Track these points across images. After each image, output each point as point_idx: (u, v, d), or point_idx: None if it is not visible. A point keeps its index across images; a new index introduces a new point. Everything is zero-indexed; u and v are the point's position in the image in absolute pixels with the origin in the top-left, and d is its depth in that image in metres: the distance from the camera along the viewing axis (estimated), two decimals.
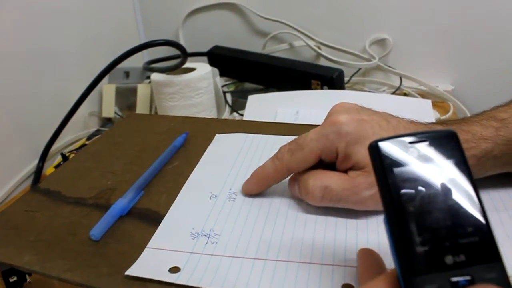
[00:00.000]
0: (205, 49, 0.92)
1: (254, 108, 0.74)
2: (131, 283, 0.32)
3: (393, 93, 0.85)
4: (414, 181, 0.24)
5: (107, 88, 0.86)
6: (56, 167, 0.70)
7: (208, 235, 0.36)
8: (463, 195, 0.23)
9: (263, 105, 0.74)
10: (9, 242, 0.37)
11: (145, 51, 0.97)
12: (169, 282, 0.31)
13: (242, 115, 0.76)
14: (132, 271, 0.32)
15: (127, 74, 0.88)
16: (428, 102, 0.74)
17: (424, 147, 0.25)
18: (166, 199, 0.41)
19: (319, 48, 0.90)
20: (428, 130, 0.32)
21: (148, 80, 0.86)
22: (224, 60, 0.90)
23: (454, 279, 0.22)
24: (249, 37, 0.96)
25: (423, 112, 0.72)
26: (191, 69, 0.76)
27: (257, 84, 0.89)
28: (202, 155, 0.48)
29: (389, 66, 0.89)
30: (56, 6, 0.77)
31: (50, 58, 0.77)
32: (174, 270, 0.32)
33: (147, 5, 1.01)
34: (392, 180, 0.24)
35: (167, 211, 0.39)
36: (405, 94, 0.85)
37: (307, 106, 0.70)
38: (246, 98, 0.77)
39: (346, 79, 0.86)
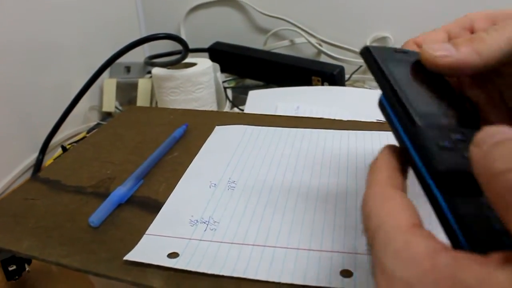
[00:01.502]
0: (207, 45, 0.92)
1: (255, 103, 0.74)
2: (129, 268, 0.32)
3: None
4: (406, 68, 0.29)
5: (108, 83, 0.86)
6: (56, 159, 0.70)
7: (207, 222, 0.36)
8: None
9: (264, 101, 0.74)
10: (8, 229, 0.37)
11: (146, 47, 0.98)
12: (167, 266, 0.31)
13: (242, 110, 0.76)
14: (131, 256, 0.32)
15: (128, 69, 0.88)
16: None
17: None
18: (165, 187, 0.41)
19: (320, 45, 0.90)
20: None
21: (149, 75, 0.86)
22: (225, 56, 0.90)
23: (453, 136, 0.25)
24: (250, 33, 0.96)
25: None
26: (192, 64, 0.76)
27: (258, 81, 0.89)
28: (201, 146, 0.48)
29: None
30: (57, 0, 0.78)
31: (51, 52, 0.77)
32: (173, 255, 0.32)
33: (149, 1, 1.01)
34: (386, 67, 0.28)
35: (166, 199, 0.39)
36: None
37: (308, 102, 0.70)
38: (246, 94, 0.77)
39: (347, 76, 0.86)
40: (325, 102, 0.70)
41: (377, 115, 0.54)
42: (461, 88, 0.33)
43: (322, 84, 0.78)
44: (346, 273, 0.30)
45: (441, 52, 0.28)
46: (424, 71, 0.29)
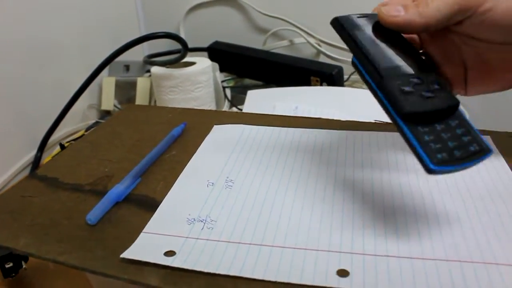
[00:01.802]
0: (206, 44, 0.92)
1: (253, 103, 0.74)
2: (126, 266, 0.32)
3: None
4: (369, 29, 0.35)
5: (107, 81, 0.86)
6: None
7: (204, 221, 0.36)
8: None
9: (262, 100, 0.74)
10: (5, 226, 0.37)
11: (145, 46, 0.98)
12: (164, 265, 0.31)
13: (241, 110, 0.76)
14: (128, 254, 0.32)
15: (127, 67, 0.88)
16: None
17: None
18: (163, 186, 0.41)
19: (319, 45, 0.91)
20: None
21: (148, 74, 0.86)
22: (224, 55, 0.90)
23: (412, 81, 0.32)
24: (250, 33, 0.96)
25: None
26: (191, 63, 0.77)
27: (256, 80, 0.89)
28: (199, 145, 0.48)
29: None
30: None
31: (51, 50, 0.77)
32: (170, 253, 0.32)
33: (148, 0, 1.01)
34: (353, 31, 0.35)
35: (164, 198, 0.39)
36: None
37: (306, 102, 0.70)
38: (245, 93, 0.77)
39: (346, 77, 0.86)
40: (324, 102, 0.70)
41: (375, 116, 0.55)
42: (421, 45, 0.39)
43: (321, 84, 0.78)
44: (342, 273, 0.30)
45: (392, 12, 0.34)
46: (384, 30, 0.35)
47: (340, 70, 0.78)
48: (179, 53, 0.72)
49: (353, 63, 0.34)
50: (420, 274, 0.29)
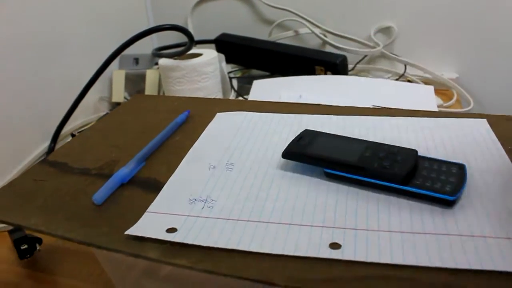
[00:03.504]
0: (213, 36, 0.94)
1: (259, 92, 0.75)
2: (129, 242, 0.34)
3: (397, 80, 0.86)
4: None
5: (117, 74, 0.88)
6: None
7: (205, 201, 0.37)
8: None
9: (268, 90, 0.75)
10: (18, 206, 0.39)
11: (154, 39, 1.00)
12: (165, 240, 0.33)
13: (246, 99, 0.77)
14: (132, 231, 0.34)
15: (136, 60, 0.90)
16: (431, 88, 0.75)
17: None
18: (166, 169, 0.43)
19: (324, 35, 0.91)
20: None
21: (156, 66, 0.88)
22: (231, 47, 0.91)
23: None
24: (256, 24, 0.97)
25: (425, 98, 0.73)
26: (198, 55, 0.78)
27: (263, 71, 0.90)
28: (202, 132, 0.49)
29: (394, 54, 0.90)
30: None
31: (60, 45, 0.79)
32: (171, 230, 0.34)
33: None
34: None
35: (167, 180, 0.41)
36: (409, 81, 0.86)
37: (311, 90, 0.71)
38: (251, 83, 0.78)
39: (351, 66, 0.87)
40: (328, 90, 0.71)
41: (374, 102, 0.55)
42: None
43: (326, 73, 0.79)
44: (335, 246, 0.31)
45: None
46: (323, 137, 0.42)
47: (344, 59, 0.79)
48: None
49: (327, 174, 0.39)
50: (409, 246, 0.30)
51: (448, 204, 0.34)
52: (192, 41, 0.73)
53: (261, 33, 0.95)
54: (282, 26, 0.95)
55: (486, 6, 0.83)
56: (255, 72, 0.93)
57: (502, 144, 0.42)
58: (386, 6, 0.89)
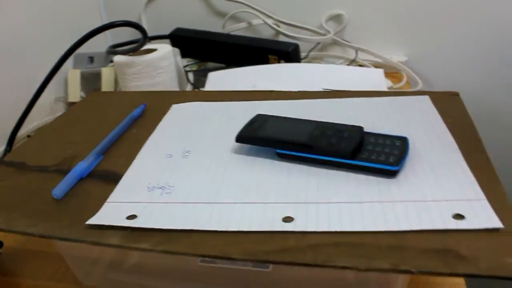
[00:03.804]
0: (168, 32, 0.94)
1: (214, 84, 0.77)
2: (90, 231, 0.34)
3: (349, 65, 0.89)
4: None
5: (72, 73, 0.87)
6: None
7: (163, 188, 0.38)
8: None
9: (223, 81, 0.76)
10: None
11: (108, 36, 0.99)
12: (126, 226, 0.34)
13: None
14: (92, 220, 0.35)
15: (91, 59, 0.90)
16: (380, 71, 0.78)
17: None
18: (124, 162, 0.44)
19: (277, 25, 0.93)
20: None
21: (112, 64, 0.88)
22: (186, 41, 0.92)
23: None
24: (209, 18, 0.98)
25: (376, 81, 0.75)
26: (153, 50, 0.79)
27: (218, 63, 0.91)
28: (159, 123, 0.50)
29: (345, 40, 0.93)
30: None
31: (12, 46, 0.78)
32: (131, 217, 0.35)
33: None
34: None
35: (126, 172, 0.42)
36: (361, 66, 0.89)
37: (265, 79, 0.73)
38: (207, 76, 0.79)
39: (304, 54, 0.89)
40: (281, 78, 0.73)
41: (326, 86, 0.57)
42: None
43: (279, 62, 0.81)
44: (287, 219, 0.33)
45: None
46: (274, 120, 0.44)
47: (296, 47, 0.81)
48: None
49: (279, 154, 0.41)
50: (357, 214, 0.32)
51: (392, 174, 0.36)
52: (145, 37, 0.73)
53: (215, 26, 0.96)
54: (235, 18, 0.96)
55: None
56: (210, 64, 0.94)
57: (445, 118, 0.45)
58: None
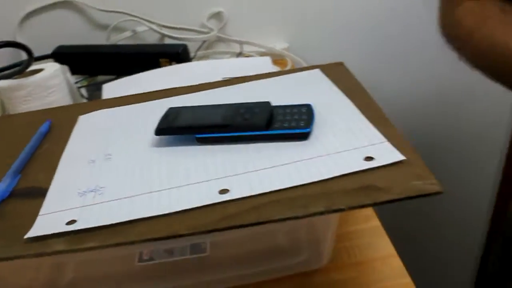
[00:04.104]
0: (49, 50, 0.91)
1: (111, 94, 0.76)
2: (31, 245, 0.34)
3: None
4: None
5: None
6: None
7: (94, 190, 0.39)
8: None
9: (119, 90, 0.76)
10: None
11: None
12: (68, 231, 0.34)
13: None
14: (31, 233, 0.34)
15: None
16: (267, 58, 0.83)
17: None
18: (44, 176, 0.43)
19: (162, 30, 0.95)
20: None
21: None
22: (71, 58, 0.90)
23: None
24: (92, 31, 0.97)
25: (265, 68, 0.80)
26: (40, 70, 0.76)
27: (109, 75, 0.91)
28: (70, 135, 0.50)
29: (229, 36, 0.97)
30: None
31: None
32: (71, 222, 0.35)
33: None
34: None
35: (50, 185, 0.41)
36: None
37: (162, 81, 0.74)
38: (101, 89, 0.79)
39: (192, 54, 0.91)
40: (177, 78, 0.75)
41: (224, 75, 0.61)
42: None
43: (171, 64, 0.83)
44: (223, 191, 0.36)
45: None
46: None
47: (185, 47, 0.84)
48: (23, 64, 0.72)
49: (199, 139, 0.43)
50: (284, 174, 0.36)
51: (305, 136, 0.40)
52: (31, 56, 0.71)
53: (99, 39, 0.95)
54: (119, 28, 0.95)
55: None
56: (101, 78, 0.93)
57: (337, 84, 0.50)
58: None
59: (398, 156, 0.36)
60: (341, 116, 0.43)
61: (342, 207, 0.32)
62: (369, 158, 0.36)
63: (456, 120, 1.21)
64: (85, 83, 0.92)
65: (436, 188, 0.33)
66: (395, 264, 0.47)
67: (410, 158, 0.36)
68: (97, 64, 0.90)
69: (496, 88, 0.55)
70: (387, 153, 0.37)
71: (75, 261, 0.46)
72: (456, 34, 0.56)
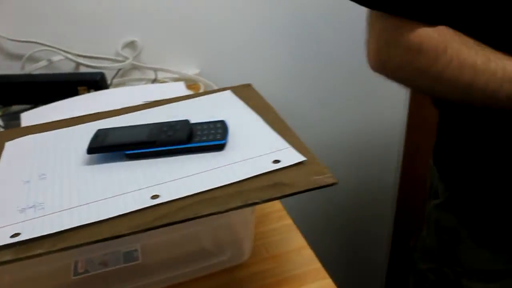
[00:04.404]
0: None
1: (31, 123, 0.78)
2: None
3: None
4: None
5: None
6: None
7: (33, 206, 0.43)
8: None
9: (38, 119, 0.78)
10: None
11: None
12: (14, 242, 0.38)
13: None
14: None
15: None
16: (181, 83, 0.89)
17: None
18: None
19: (78, 59, 0.98)
20: None
21: None
22: None
23: None
24: (5, 61, 0.97)
25: (179, 93, 0.86)
26: None
27: (26, 104, 0.92)
28: None
29: (143, 63, 1.02)
30: None
31: None
32: (15, 235, 0.39)
33: None
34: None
35: None
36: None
37: (81, 109, 0.77)
38: (18, 118, 0.80)
39: (108, 82, 0.95)
40: (94, 105, 0.78)
41: (143, 100, 0.66)
42: None
43: (89, 92, 0.86)
44: (155, 197, 0.41)
45: None
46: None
47: (103, 75, 0.87)
48: None
49: (128, 155, 0.48)
50: (206, 179, 0.42)
51: (221, 147, 0.47)
52: None
53: (13, 68, 0.95)
54: (34, 58, 0.97)
55: (201, 6, 1.03)
56: (17, 107, 0.93)
57: (247, 102, 0.58)
58: (128, 22, 0.99)
59: (300, 158, 0.44)
60: (252, 129, 0.51)
61: (257, 200, 0.39)
62: (276, 161, 0.44)
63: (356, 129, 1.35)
64: None
65: (331, 180, 0.41)
66: (307, 254, 0.55)
67: (309, 159, 0.44)
68: (11, 93, 0.90)
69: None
70: (291, 156, 0.44)
71: (11, 281, 0.48)
72: (412, 60, 0.54)
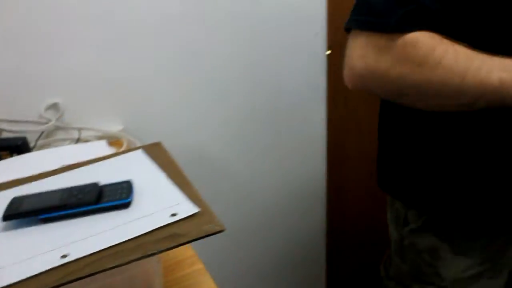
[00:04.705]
0: None
1: None
2: None
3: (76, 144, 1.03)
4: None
5: None
6: None
7: None
8: None
9: None
10: None
11: None
12: None
13: None
14: None
15: None
16: (103, 142, 0.94)
17: None
18: None
19: (0, 124, 1.01)
20: None
21: None
22: None
23: None
24: None
25: (101, 151, 0.91)
26: None
27: None
28: None
29: (67, 124, 1.07)
30: None
31: None
32: None
33: None
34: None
35: None
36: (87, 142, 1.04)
37: (2, 174, 0.81)
38: None
39: (32, 144, 0.99)
40: (20, 169, 0.82)
41: (63, 163, 0.71)
42: None
43: (12, 156, 0.90)
44: (64, 256, 0.46)
45: None
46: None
47: (24, 139, 0.91)
48: None
49: (42, 219, 0.53)
50: (111, 235, 0.48)
51: (127, 205, 0.53)
52: None
53: None
54: None
55: (124, 68, 1.10)
56: None
57: (155, 160, 0.64)
58: (50, 85, 1.04)
59: (194, 210, 0.51)
60: (155, 186, 0.57)
61: (155, 251, 0.46)
62: (173, 215, 0.51)
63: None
64: None
65: (218, 228, 0.48)
66: None
67: (203, 209, 0.51)
68: None
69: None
70: (187, 209, 0.51)
71: None
72: (408, 54, 0.56)
